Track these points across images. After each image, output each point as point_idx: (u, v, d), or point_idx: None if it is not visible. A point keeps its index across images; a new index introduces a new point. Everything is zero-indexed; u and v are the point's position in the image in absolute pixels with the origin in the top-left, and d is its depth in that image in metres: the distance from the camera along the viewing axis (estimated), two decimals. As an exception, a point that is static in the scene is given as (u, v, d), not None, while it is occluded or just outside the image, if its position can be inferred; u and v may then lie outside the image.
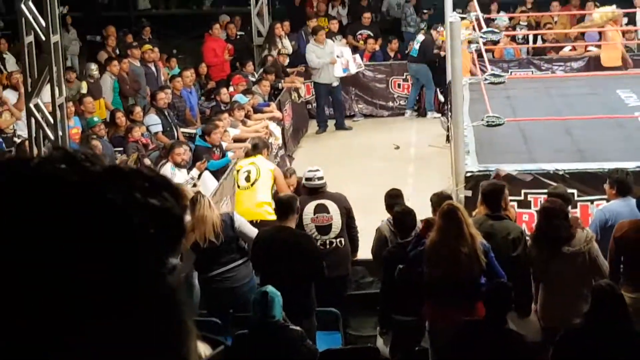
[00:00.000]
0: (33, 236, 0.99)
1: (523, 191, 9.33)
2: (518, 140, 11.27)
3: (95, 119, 12.45)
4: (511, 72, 16.16)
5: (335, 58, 16.28)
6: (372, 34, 17.94)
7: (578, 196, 9.73)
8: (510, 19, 18.27)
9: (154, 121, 13.06)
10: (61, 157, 1.05)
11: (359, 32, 17.94)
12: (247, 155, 10.67)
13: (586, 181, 9.67)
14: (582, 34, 17.60)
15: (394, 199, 8.67)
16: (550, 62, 16.82)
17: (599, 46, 17.13)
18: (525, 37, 17.93)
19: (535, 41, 17.62)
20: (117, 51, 15.78)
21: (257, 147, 10.61)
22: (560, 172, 9.87)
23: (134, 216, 1.02)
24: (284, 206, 7.87)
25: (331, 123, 16.61)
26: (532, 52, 17.44)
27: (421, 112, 17.10)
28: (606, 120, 11.64)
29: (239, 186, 10.18)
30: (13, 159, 1.09)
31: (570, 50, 17.05)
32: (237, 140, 12.70)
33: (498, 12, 18.04)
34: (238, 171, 10.40)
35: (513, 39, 17.43)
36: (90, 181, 1.03)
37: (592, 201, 9.39)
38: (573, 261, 7.08)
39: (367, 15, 18.43)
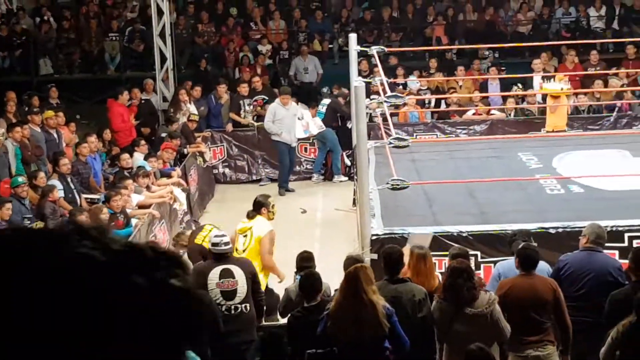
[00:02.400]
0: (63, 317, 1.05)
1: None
2: (423, 203, 11.36)
3: (20, 179, 12.14)
4: (416, 136, 16.35)
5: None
6: (266, 98, 17.95)
7: (481, 258, 9.84)
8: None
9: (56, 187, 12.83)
10: (80, 232, 1.12)
11: (255, 97, 17.91)
12: (248, 216, 10.31)
13: (489, 243, 9.79)
14: (486, 98, 17.94)
15: (305, 261, 8.66)
16: (454, 125, 17.05)
17: (501, 110, 17.47)
18: (429, 101, 18.18)
19: (439, 105, 17.87)
20: (19, 116, 15.51)
21: (255, 207, 10.34)
22: (464, 234, 9.98)
23: (158, 300, 1.09)
24: None
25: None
26: (436, 116, 17.68)
27: (328, 176, 17.15)
28: (508, 182, 11.81)
29: (236, 249, 9.91)
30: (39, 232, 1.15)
31: (474, 114, 17.33)
32: (141, 206, 12.55)
33: (404, 76, 18.28)
34: (238, 234, 10.13)
35: (418, 102, 17.68)
36: (115, 262, 1.09)
37: (494, 262, 9.48)
38: (475, 322, 7.10)
39: (264, 80, 18.42)
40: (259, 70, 19.60)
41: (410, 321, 7.04)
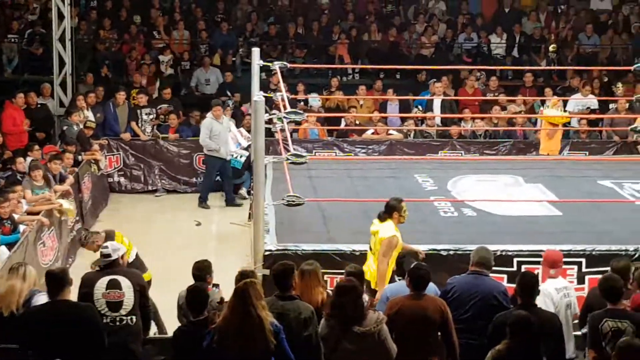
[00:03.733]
0: None
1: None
2: (318, 220, 11.35)
3: None
4: (315, 153, 16.37)
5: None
6: (172, 108, 17.82)
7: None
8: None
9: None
10: None
11: (159, 106, 17.78)
12: (379, 217, 9.99)
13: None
14: (385, 118, 18.07)
15: (200, 271, 8.58)
16: (353, 144, 17.12)
17: (400, 130, 17.60)
18: (330, 119, 18.23)
19: (339, 123, 17.92)
20: None
21: (387, 210, 10.01)
22: (357, 253, 10.00)
23: None
24: (56, 279, 7.64)
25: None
26: (336, 134, 17.72)
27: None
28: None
29: (370, 249, 9.86)
30: None
31: (373, 133, 17.42)
32: (30, 212, 12.27)
33: (305, 93, 18.31)
34: (371, 234, 9.91)
35: (318, 120, 17.71)
36: None
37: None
38: (363, 341, 7.09)
39: (167, 90, 18.29)
40: (158, 80, 19.46)
41: (296, 339, 6.99)
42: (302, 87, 18.47)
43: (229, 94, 19.01)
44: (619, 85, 18.81)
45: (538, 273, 8.63)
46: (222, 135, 16.16)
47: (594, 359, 7.31)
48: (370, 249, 9.83)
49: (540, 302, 8.01)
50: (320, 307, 7.60)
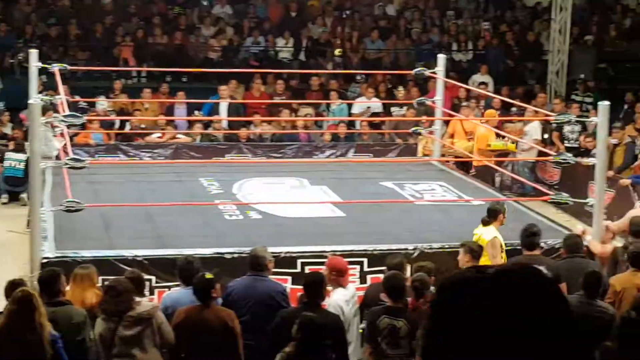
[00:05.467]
0: None
1: (101, 278, 9.04)
2: (99, 226, 11.05)
3: None
4: (98, 157, 15.96)
5: None
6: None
7: (156, 282, 9.68)
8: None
9: None
10: None
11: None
12: (483, 222, 10.03)
13: (164, 267, 9.65)
14: (172, 121, 17.86)
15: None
16: (138, 148, 16.81)
17: (187, 134, 17.45)
18: (113, 123, 17.86)
19: (124, 127, 17.57)
20: None
21: (491, 214, 10.10)
22: (139, 259, 9.79)
23: None
24: None
25: None
26: (120, 137, 17.36)
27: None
28: (188, 207, 11.74)
29: None
30: None
31: (159, 137, 17.18)
32: None
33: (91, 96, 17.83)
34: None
35: (103, 124, 17.29)
36: None
37: (169, 287, 9.37)
38: (139, 325, 7.19)
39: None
40: None
41: (70, 344, 6.85)
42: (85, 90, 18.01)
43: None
44: (400, 89, 19.31)
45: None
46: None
47: (370, 354, 7.43)
48: None
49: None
50: (95, 309, 7.48)
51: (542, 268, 9.03)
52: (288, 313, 7.54)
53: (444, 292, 1.75)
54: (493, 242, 9.79)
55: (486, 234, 9.91)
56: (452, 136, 16.63)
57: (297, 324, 6.97)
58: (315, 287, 7.75)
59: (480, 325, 1.67)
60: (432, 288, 8.08)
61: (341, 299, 8.33)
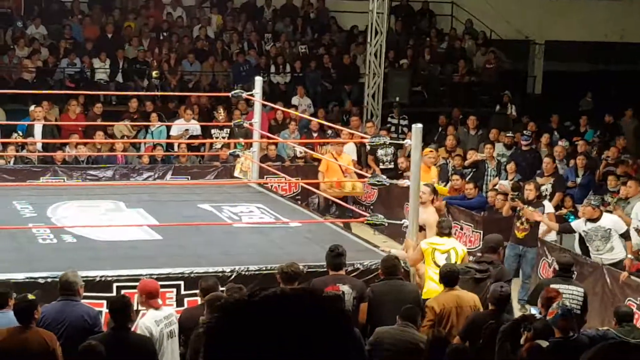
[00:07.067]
0: None
1: None
2: None
3: None
4: None
5: None
6: None
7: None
8: None
9: None
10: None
11: None
12: (443, 235, 10.85)
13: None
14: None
15: None
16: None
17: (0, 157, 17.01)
18: None
19: None
20: None
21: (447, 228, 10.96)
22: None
23: None
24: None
25: None
26: None
27: None
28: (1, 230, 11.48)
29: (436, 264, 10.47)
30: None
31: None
32: None
33: None
34: (433, 250, 10.67)
35: None
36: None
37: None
38: None
39: None
40: None
41: None
42: None
43: None
44: (221, 110, 19.39)
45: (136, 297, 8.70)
46: None
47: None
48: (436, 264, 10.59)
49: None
50: None
51: (346, 287, 9.34)
52: (96, 339, 7.52)
53: (218, 317, 1.80)
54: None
55: (459, 246, 11.00)
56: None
57: (79, 352, 6.98)
58: (119, 310, 7.78)
59: (252, 348, 1.72)
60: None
61: (150, 321, 8.34)
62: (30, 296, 7.74)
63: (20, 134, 17.63)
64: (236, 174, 16.14)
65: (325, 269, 9.94)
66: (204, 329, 1.81)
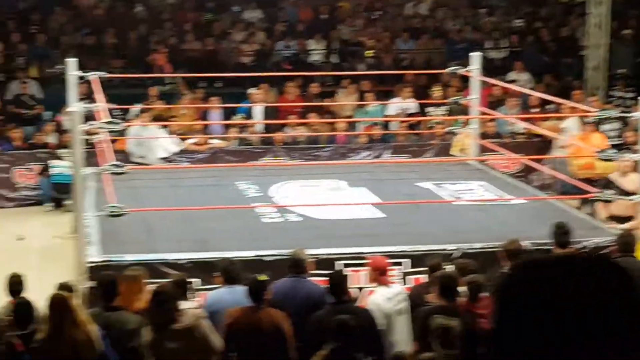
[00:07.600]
0: None
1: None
2: (141, 231, 11.15)
3: None
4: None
5: None
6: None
7: (202, 285, 9.75)
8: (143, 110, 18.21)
9: None
10: None
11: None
12: None
13: (207, 270, 9.72)
14: (206, 126, 17.95)
15: (18, 285, 8.32)
16: (176, 153, 16.92)
17: (223, 139, 17.54)
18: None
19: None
20: None
21: None
22: (182, 262, 9.88)
23: None
24: None
25: None
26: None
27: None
28: (226, 210, 11.82)
29: None
30: None
31: (195, 143, 17.28)
32: None
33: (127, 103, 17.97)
34: None
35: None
36: None
37: (212, 290, 9.42)
38: (183, 338, 7.17)
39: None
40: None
41: (122, 350, 6.89)
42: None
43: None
44: (437, 88, 19.25)
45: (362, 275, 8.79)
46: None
47: (416, 352, 7.46)
48: None
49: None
50: (143, 314, 7.53)
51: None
52: (318, 316, 7.64)
53: (517, 273, 1.78)
54: None
55: None
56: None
57: (333, 327, 7.03)
58: (336, 285, 7.87)
59: (551, 306, 1.69)
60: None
61: (381, 297, 8.41)
62: (262, 277, 7.92)
63: (242, 116, 18.07)
64: (454, 152, 16.03)
65: (550, 246, 9.76)
66: (501, 280, 1.79)
